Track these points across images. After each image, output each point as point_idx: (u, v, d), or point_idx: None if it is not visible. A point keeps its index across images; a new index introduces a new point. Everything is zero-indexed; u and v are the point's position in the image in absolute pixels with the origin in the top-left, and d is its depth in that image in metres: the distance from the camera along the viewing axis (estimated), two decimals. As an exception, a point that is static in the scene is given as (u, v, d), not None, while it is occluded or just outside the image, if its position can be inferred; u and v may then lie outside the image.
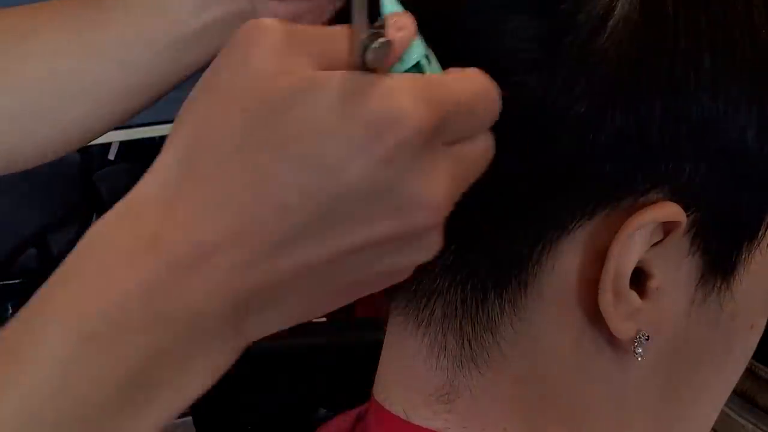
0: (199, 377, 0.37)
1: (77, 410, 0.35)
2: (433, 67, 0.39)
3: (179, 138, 0.37)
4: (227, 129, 0.36)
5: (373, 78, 0.36)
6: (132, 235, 0.36)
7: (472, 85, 0.38)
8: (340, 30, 0.37)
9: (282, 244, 0.36)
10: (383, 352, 0.51)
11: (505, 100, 0.40)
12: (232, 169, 0.36)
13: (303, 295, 0.38)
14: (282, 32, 0.36)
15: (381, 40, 0.36)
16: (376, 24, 0.36)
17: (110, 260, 0.36)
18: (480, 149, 0.39)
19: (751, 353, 0.49)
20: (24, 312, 0.36)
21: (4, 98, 0.65)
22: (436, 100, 0.36)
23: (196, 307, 0.36)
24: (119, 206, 0.37)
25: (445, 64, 0.40)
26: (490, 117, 0.39)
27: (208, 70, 0.38)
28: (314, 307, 0.39)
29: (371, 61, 0.36)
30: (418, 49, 0.38)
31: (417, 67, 0.39)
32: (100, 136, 0.67)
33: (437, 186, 0.36)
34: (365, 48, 0.35)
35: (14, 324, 0.36)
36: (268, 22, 0.37)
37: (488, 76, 0.38)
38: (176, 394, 0.37)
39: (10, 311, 2.15)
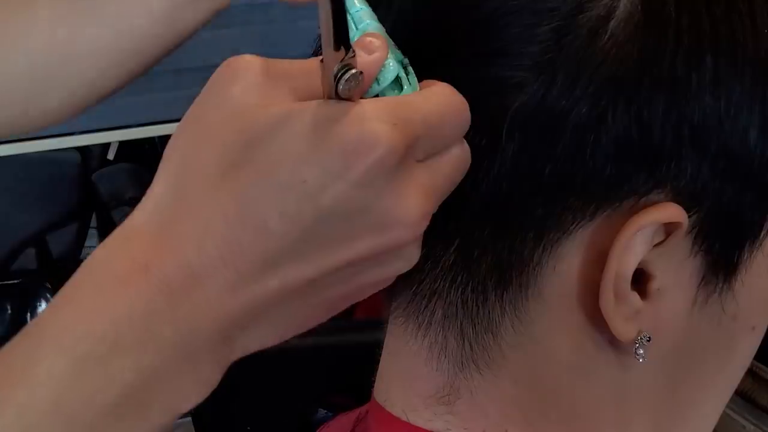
0: (188, 394, 0.39)
1: (71, 427, 0.37)
2: (411, 78, 0.41)
3: (168, 169, 0.39)
4: (211, 160, 0.38)
5: (346, 105, 0.38)
6: (126, 261, 0.38)
7: (440, 102, 0.40)
8: (316, 63, 0.39)
9: (267, 266, 0.38)
10: (383, 354, 0.51)
11: (506, 100, 0.40)
12: (217, 198, 0.38)
13: (290, 312, 0.40)
14: (261, 67, 0.39)
15: (351, 72, 0.38)
16: (347, 56, 0.38)
17: (105, 284, 0.38)
18: (453, 161, 0.40)
19: (752, 354, 0.49)
20: (23, 332, 0.38)
21: (9, 65, 0.66)
22: (405, 122, 0.38)
23: (186, 328, 0.37)
24: (115, 234, 0.39)
25: (445, 64, 0.40)
26: (460, 129, 0.40)
27: (193, 103, 0.40)
28: (302, 323, 0.41)
29: (344, 92, 0.38)
30: (393, 67, 0.40)
31: (396, 81, 0.41)
32: (103, 100, 0.68)
33: (412, 203, 0.38)
34: (337, 80, 0.37)
35: (14, 343, 0.38)
36: (249, 57, 0.39)
37: (455, 89, 0.40)
38: (166, 411, 0.38)
39: (9, 311, 2.15)
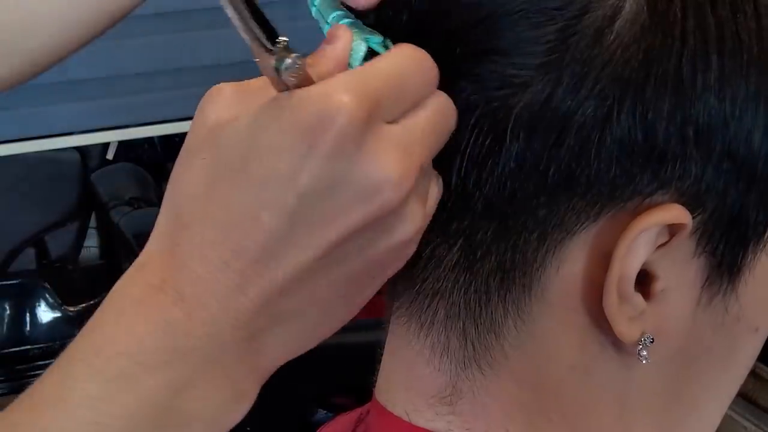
0: (226, 408, 0.40)
1: None
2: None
3: (167, 199, 0.42)
4: (196, 178, 0.40)
5: (293, 91, 0.38)
6: (142, 284, 0.40)
7: (398, 60, 0.40)
8: None
9: (267, 259, 0.39)
10: (385, 354, 0.50)
11: (511, 100, 0.40)
12: (208, 210, 0.40)
13: (310, 303, 0.40)
14: (231, 89, 0.41)
15: (288, 60, 0.38)
16: (277, 47, 0.38)
17: (126, 308, 0.40)
18: (429, 113, 0.40)
19: (755, 356, 0.49)
20: (56, 362, 0.40)
21: None
22: (361, 87, 0.38)
23: (206, 335, 0.39)
24: (132, 264, 0.41)
25: (450, 63, 0.41)
26: (426, 82, 0.41)
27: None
28: (330, 315, 0.42)
29: (291, 81, 0.38)
30: (362, 47, 0.41)
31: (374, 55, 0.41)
32: (78, 49, 0.68)
33: (390, 163, 0.39)
34: (279, 72, 0.38)
35: (48, 372, 0.39)
36: (221, 84, 0.42)
37: (415, 46, 0.41)
38: (207, 426, 0.40)
39: (8, 311, 2.15)
